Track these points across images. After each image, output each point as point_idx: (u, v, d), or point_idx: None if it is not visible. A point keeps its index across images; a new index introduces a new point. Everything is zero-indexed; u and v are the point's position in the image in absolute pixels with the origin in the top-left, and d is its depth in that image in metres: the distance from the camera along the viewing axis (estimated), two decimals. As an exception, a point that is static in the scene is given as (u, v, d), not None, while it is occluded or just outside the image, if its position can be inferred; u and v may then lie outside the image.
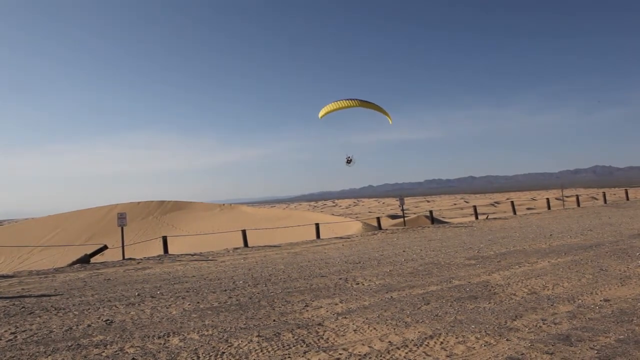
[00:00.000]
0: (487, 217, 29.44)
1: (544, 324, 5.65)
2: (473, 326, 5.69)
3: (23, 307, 7.97)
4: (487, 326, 5.66)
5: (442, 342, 5.18)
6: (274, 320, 6.41)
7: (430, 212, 27.02)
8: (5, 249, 28.02)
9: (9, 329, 6.52)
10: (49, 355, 5.31)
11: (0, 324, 6.89)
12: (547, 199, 31.90)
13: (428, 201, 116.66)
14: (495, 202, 78.90)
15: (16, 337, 6.14)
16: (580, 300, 6.68)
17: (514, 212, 27.92)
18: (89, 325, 6.57)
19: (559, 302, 6.63)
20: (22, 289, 10.10)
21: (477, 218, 26.16)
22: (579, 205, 31.15)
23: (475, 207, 28.00)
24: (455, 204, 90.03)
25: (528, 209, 49.58)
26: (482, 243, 14.03)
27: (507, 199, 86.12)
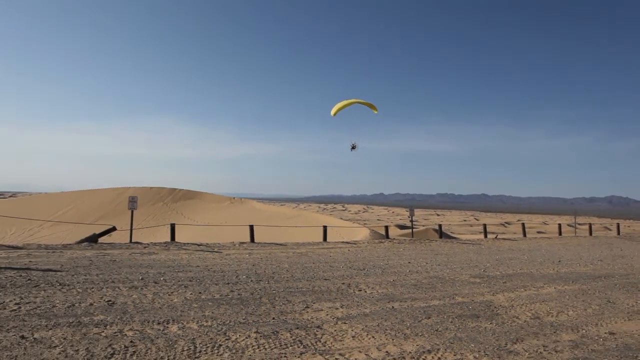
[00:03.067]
0: (496, 237, 29.17)
1: (544, 350, 5.57)
2: (472, 345, 5.64)
3: (29, 280, 8.09)
4: (486, 346, 5.60)
5: (439, 358, 5.13)
6: (274, 318, 6.42)
7: (440, 225, 26.85)
8: (17, 220, 28.47)
9: (14, 299, 6.63)
10: (50, 329, 5.38)
11: (6, 293, 7.01)
12: (559, 224, 31.48)
13: (438, 214, 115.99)
14: (506, 223, 78.09)
15: (20, 307, 6.23)
16: (584, 330, 6.58)
17: (524, 234, 27.62)
18: (91, 304, 6.64)
19: (562, 330, 6.53)
20: (30, 261, 10.26)
21: (486, 236, 25.93)
22: (591, 234, 30.68)
23: (485, 226, 27.75)
24: (465, 220, 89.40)
25: (539, 232, 49.07)
26: (489, 262, 13.89)
27: (518, 220, 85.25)
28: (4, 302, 6.49)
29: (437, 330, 6.22)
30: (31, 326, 5.46)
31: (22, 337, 5.06)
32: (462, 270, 11.95)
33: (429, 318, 6.88)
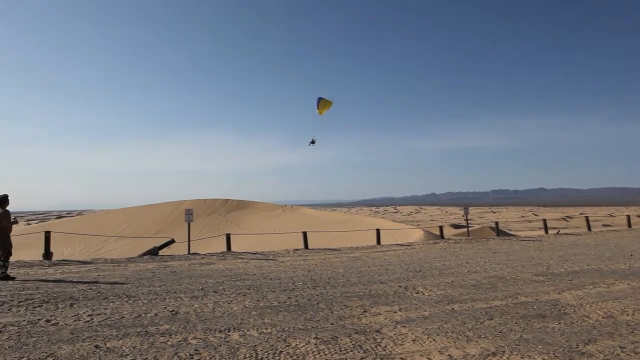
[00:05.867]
0: (557, 232, 27.87)
1: (622, 351, 5.22)
2: (540, 346, 5.38)
3: (99, 292, 8.54)
4: (556, 348, 5.33)
5: (506, 361, 4.94)
6: (332, 324, 6.42)
7: (496, 223, 25.99)
8: (84, 237, 30.19)
9: (87, 311, 7.03)
10: (121, 339, 5.65)
11: (79, 305, 7.44)
12: (628, 215, 29.65)
13: (494, 212, 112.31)
14: (567, 217, 74.40)
15: (92, 319, 6.59)
16: (664, 329, 6.12)
17: (589, 228, 26.17)
18: (156, 314, 6.91)
19: None
20: (98, 275, 10.83)
21: (546, 232, 24.82)
22: (664, 224, 28.67)
23: (545, 221, 26.59)
24: (522, 217, 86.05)
25: (604, 225, 46.38)
26: (552, 259, 13.27)
27: (581, 213, 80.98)
28: (78, 313, 6.89)
29: (501, 332, 5.99)
30: (103, 336, 5.75)
31: (96, 346, 5.34)
32: (524, 269, 11.48)
33: (492, 319, 6.65)
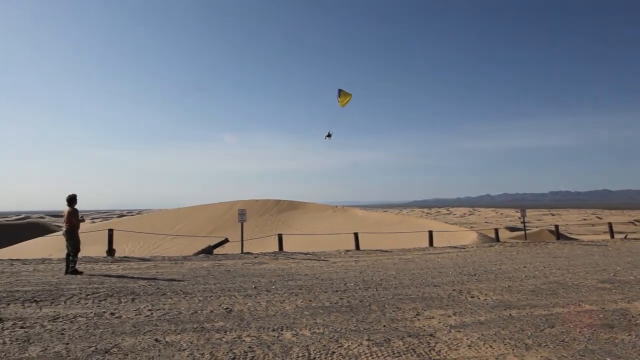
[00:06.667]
0: (625, 237, 26.21)
1: (700, 366, 4.83)
2: (608, 359, 5.07)
3: (158, 288, 8.91)
4: (626, 360, 5.01)
5: (569, 371, 4.69)
6: (385, 326, 6.35)
7: (556, 226, 24.80)
8: (143, 235, 31.60)
9: (147, 306, 7.35)
10: (179, 334, 5.86)
11: (140, 300, 7.80)
12: None
13: (553, 214, 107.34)
14: (636, 221, 69.81)
15: (152, 313, 6.88)
16: None
17: (660, 233, 24.47)
18: (211, 311, 7.11)
19: None
20: (157, 272, 11.30)
21: (612, 237, 23.40)
22: None
23: (610, 225, 25.07)
24: (585, 220, 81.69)
25: (678, 230, 43.15)
26: (619, 265, 12.48)
27: (651, 217, 75.72)
28: (139, 308, 7.22)
29: (563, 341, 5.70)
30: (162, 330, 5.99)
31: (156, 340, 5.57)
32: (587, 275, 10.87)
33: (553, 327, 6.34)
